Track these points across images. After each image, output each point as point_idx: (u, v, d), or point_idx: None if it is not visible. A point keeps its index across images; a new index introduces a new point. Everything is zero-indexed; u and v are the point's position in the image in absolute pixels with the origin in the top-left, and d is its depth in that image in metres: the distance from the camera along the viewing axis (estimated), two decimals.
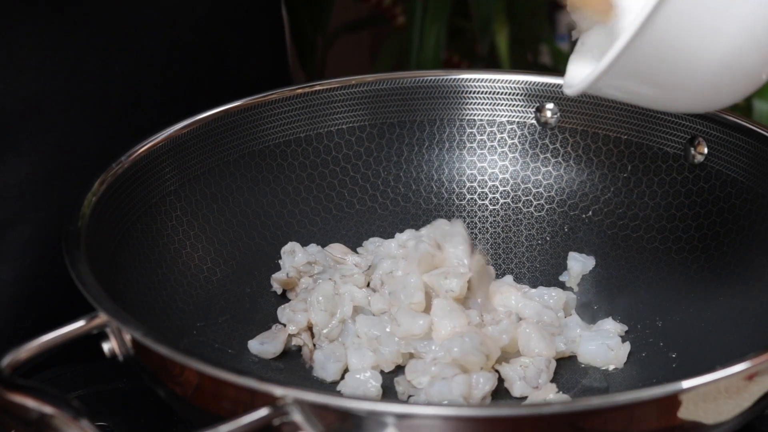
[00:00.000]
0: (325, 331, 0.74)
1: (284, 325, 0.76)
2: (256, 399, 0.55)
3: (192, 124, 0.80)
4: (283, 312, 0.76)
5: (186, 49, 0.86)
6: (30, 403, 0.55)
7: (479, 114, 0.86)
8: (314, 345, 0.74)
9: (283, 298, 0.79)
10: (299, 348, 0.75)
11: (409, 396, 0.70)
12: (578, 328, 0.75)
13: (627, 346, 0.74)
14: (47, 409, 0.55)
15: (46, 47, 0.79)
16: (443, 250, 0.76)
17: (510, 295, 0.75)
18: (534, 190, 0.86)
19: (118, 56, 0.82)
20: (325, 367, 0.72)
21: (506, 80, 0.86)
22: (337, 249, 0.81)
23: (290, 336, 0.75)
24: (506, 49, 1.81)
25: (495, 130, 0.86)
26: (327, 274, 0.79)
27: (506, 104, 0.86)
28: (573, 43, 0.68)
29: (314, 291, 0.75)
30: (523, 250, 0.84)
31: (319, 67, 1.62)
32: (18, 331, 0.81)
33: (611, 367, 0.73)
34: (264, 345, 0.74)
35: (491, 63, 1.82)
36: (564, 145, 0.85)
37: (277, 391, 0.55)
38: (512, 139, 0.86)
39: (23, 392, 0.56)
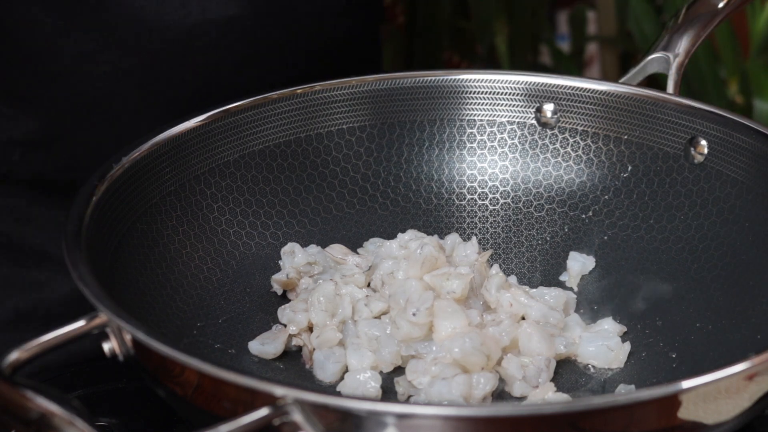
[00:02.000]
0: (321, 336, 0.74)
1: (285, 326, 0.76)
2: (257, 399, 0.55)
3: (192, 124, 0.80)
4: (284, 312, 0.76)
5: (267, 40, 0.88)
6: (30, 402, 0.55)
7: (479, 114, 0.86)
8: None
9: (284, 298, 0.79)
10: (299, 348, 0.75)
11: (409, 396, 0.70)
12: (578, 328, 0.75)
13: (627, 347, 0.74)
14: (47, 409, 0.55)
15: (126, 43, 0.82)
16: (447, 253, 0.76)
17: (516, 296, 0.75)
18: (534, 191, 0.86)
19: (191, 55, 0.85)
20: (324, 367, 0.72)
21: (506, 80, 0.86)
22: (337, 250, 0.81)
23: (290, 336, 0.75)
24: (506, 49, 1.82)
25: (495, 131, 0.86)
26: (327, 274, 0.79)
27: (506, 104, 0.86)
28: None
29: (315, 291, 0.75)
30: (523, 250, 0.84)
31: None
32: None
33: (611, 368, 0.73)
34: (264, 345, 0.74)
35: (491, 63, 1.82)
36: (564, 145, 0.85)
37: (278, 391, 0.55)
38: (512, 139, 0.86)
39: (24, 392, 0.56)
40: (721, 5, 0.85)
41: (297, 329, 0.75)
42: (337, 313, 0.75)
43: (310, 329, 0.75)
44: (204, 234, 0.80)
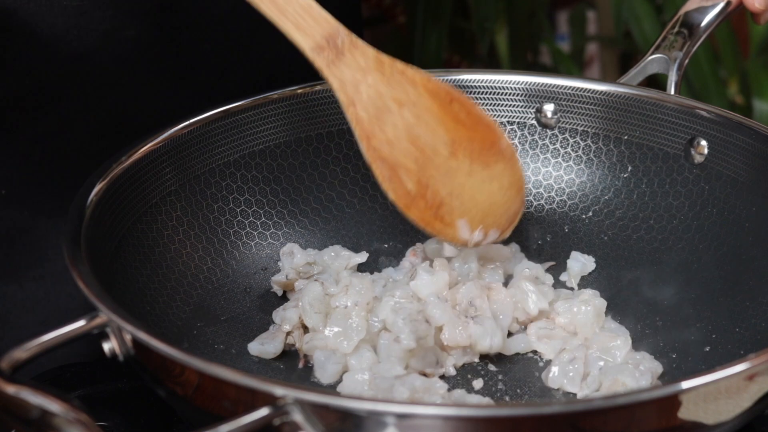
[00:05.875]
0: (311, 342, 0.74)
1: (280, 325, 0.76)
2: (257, 399, 0.55)
3: (192, 124, 0.80)
4: (277, 313, 0.76)
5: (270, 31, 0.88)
6: (31, 402, 0.55)
7: None
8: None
9: (284, 299, 0.79)
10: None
11: None
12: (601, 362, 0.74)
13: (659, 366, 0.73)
14: (48, 409, 0.55)
15: (148, 18, 0.82)
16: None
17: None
18: (534, 191, 0.86)
19: (208, 33, 0.85)
20: (324, 367, 0.72)
21: (506, 80, 0.86)
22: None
23: (289, 335, 0.75)
24: (506, 49, 1.82)
25: None
26: (327, 275, 0.79)
27: (506, 104, 0.86)
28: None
29: (304, 295, 0.75)
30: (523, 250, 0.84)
31: None
32: None
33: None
34: (264, 345, 0.74)
35: (491, 63, 1.82)
36: (564, 146, 0.85)
37: (278, 390, 0.55)
38: (512, 139, 0.86)
39: (24, 391, 0.56)
40: (721, 5, 0.85)
41: (290, 326, 0.75)
42: (330, 312, 0.75)
43: (304, 328, 0.75)
44: (204, 234, 0.80)
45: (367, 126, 0.74)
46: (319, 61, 0.73)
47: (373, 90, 0.74)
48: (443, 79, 0.86)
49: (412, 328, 0.71)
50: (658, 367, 0.71)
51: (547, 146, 0.86)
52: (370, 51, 0.75)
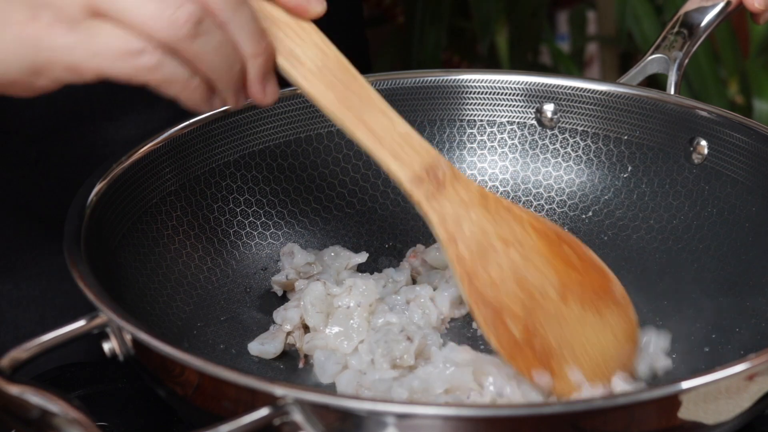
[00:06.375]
0: (311, 342, 0.74)
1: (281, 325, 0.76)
2: (257, 399, 0.55)
3: (192, 124, 0.80)
4: (278, 313, 0.76)
5: None
6: (31, 402, 0.56)
7: (479, 114, 0.86)
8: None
9: (284, 299, 0.79)
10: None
11: None
12: None
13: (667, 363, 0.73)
14: (48, 409, 0.55)
15: None
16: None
17: None
18: (534, 191, 0.86)
19: None
20: (324, 367, 0.72)
21: (506, 80, 0.86)
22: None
23: (289, 336, 0.75)
24: (506, 49, 1.82)
25: (495, 131, 0.86)
26: (327, 275, 0.79)
27: (506, 104, 0.86)
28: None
29: (306, 295, 0.75)
30: None
31: None
32: None
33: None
34: (264, 345, 0.74)
35: (491, 63, 1.82)
36: (564, 146, 0.85)
37: (278, 391, 0.55)
38: (512, 139, 0.86)
39: (24, 391, 0.56)
40: (720, 5, 0.85)
41: (291, 327, 0.75)
42: (332, 312, 0.75)
43: (305, 327, 0.75)
44: (204, 234, 0.80)
45: (470, 265, 0.68)
46: (418, 194, 0.68)
47: (476, 226, 0.69)
48: (443, 79, 0.86)
49: (386, 350, 0.70)
50: (660, 368, 0.71)
51: (547, 146, 0.86)
52: (473, 185, 0.70)
